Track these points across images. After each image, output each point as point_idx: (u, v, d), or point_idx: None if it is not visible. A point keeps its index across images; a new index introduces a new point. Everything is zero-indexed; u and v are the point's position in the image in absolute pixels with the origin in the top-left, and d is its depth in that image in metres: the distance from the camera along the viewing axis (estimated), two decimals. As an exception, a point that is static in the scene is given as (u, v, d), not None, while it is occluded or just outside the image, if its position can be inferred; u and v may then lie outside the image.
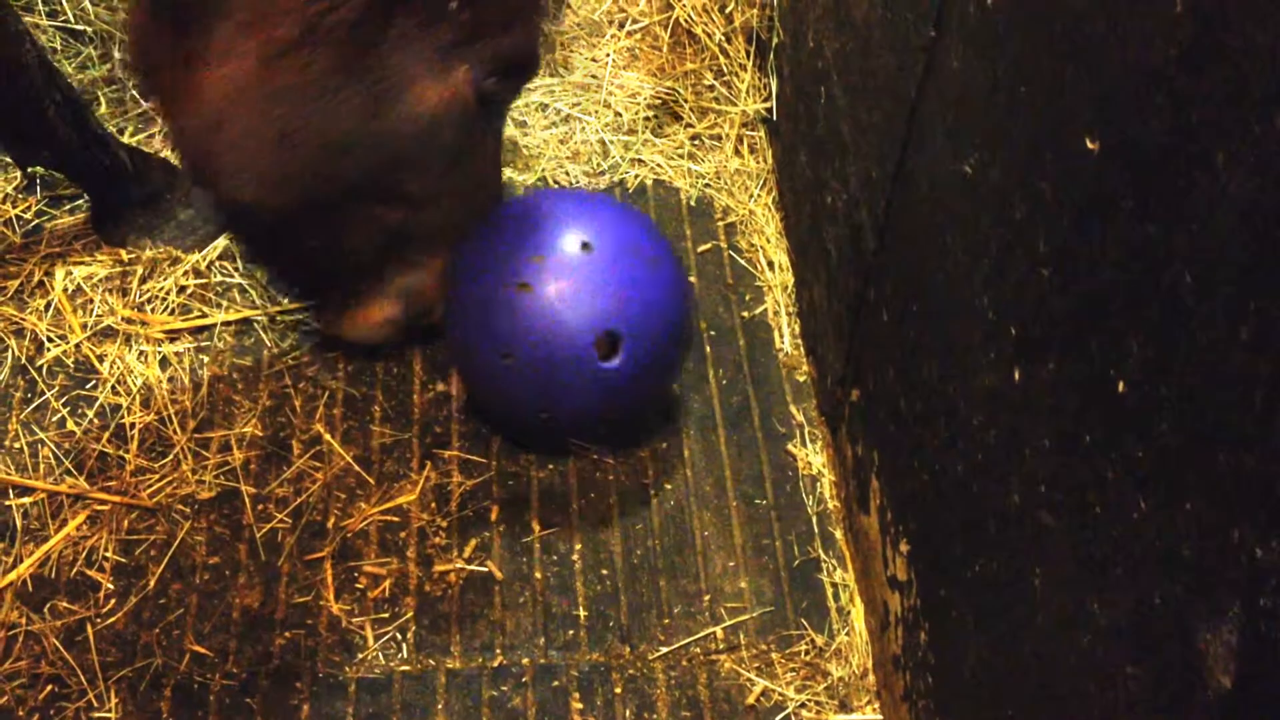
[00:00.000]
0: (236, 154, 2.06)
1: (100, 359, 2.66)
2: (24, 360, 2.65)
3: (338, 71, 1.92)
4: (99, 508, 2.45)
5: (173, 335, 2.71)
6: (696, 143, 3.19)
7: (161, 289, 2.78)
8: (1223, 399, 1.11)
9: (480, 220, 2.35)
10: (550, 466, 2.56)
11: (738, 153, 3.17)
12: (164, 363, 2.67)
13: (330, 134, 2.00)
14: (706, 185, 3.11)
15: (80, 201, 2.90)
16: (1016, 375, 1.56)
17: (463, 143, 2.15)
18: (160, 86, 2.09)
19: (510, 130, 3.10)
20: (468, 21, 1.97)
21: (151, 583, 2.35)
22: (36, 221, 2.90)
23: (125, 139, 2.97)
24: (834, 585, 2.41)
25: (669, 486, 2.55)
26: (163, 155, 2.87)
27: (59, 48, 3.24)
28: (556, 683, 2.26)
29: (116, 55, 3.23)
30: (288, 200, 2.13)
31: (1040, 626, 1.52)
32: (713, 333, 2.81)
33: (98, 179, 2.76)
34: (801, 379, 2.73)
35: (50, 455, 2.51)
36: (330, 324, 2.59)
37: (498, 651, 2.29)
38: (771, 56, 3.09)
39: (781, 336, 2.82)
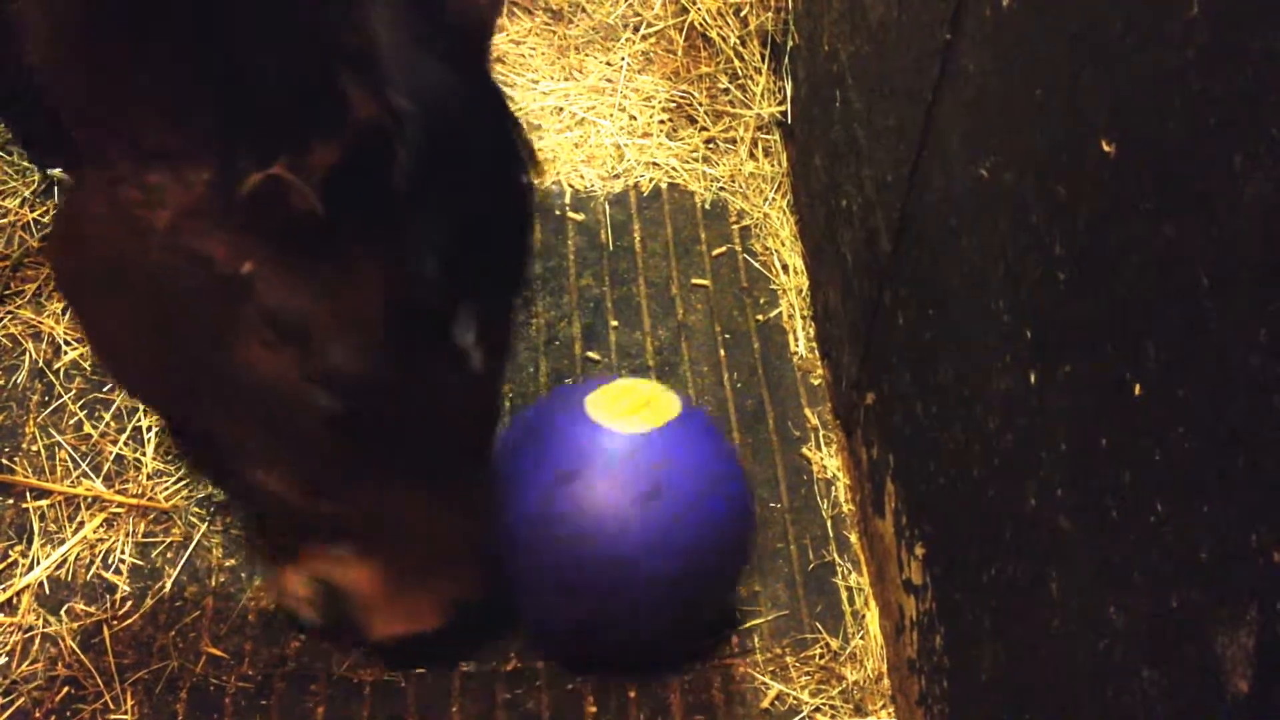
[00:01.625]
0: (81, 309, 1.86)
1: (117, 362, 2.67)
2: (41, 363, 2.66)
3: (153, 274, 1.62)
4: (115, 510, 2.45)
5: (189, 338, 2.72)
6: (711, 146, 3.19)
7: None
8: (1240, 402, 1.10)
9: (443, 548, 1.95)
10: (565, 470, 2.56)
11: (752, 156, 3.17)
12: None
13: (152, 344, 1.71)
14: (721, 189, 3.11)
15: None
16: (1033, 378, 1.56)
17: (322, 428, 1.71)
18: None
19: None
20: (272, 300, 1.59)
21: (168, 585, 2.36)
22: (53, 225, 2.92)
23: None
24: (849, 589, 2.41)
25: (684, 490, 2.55)
26: None
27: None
28: (571, 685, 2.26)
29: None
30: (143, 394, 1.94)
31: (1057, 630, 1.51)
32: (727, 336, 2.81)
33: None
34: (816, 382, 2.73)
35: (67, 458, 2.52)
36: (264, 568, 2.30)
37: (512, 654, 2.29)
38: (786, 60, 3.09)
39: (796, 340, 2.81)
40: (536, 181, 1.78)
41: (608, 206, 3.05)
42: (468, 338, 1.67)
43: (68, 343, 2.70)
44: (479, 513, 1.96)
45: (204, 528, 2.44)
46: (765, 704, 2.24)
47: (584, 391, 2.11)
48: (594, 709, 2.23)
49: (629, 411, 2.06)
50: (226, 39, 1.49)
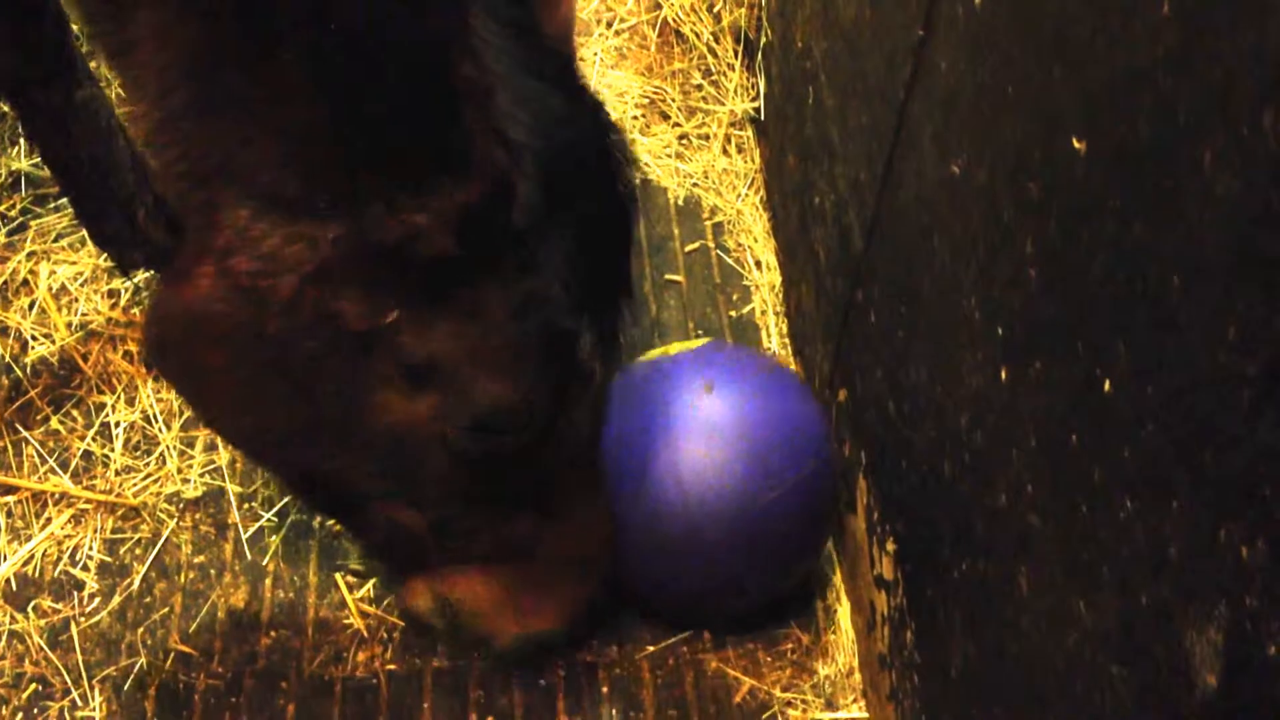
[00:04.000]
0: (189, 385, 1.79)
1: (85, 358, 2.65)
2: (9, 359, 2.64)
3: (278, 341, 1.59)
4: (83, 507, 2.44)
5: (158, 334, 2.70)
6: (684, 142, 3.19)
7: (147, 288, 2.77)
8: (1210, 399, 1.11)
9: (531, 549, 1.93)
10: (537, 466, 2.55)
11: (725, 152, 3.17)
12: (149, 362, 2.66)
13: (278, 406, 1.69)
14: (694, 185, 3.11)
15: (64, 200, 2.89)
16: (1004, 376, 1.56)
17: (457, 466, 1.72)
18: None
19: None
20: (412, 347, 1.58)
21: (136, 582, 2.35)
22: (21, 220, 2.89)
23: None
24: (820, 584, 2.41)
25: (656, 486, 2.55)
26: None
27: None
28: (543, 682, 2.25)
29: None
30: (263, 458, 1.86)
31: (1027, 627, 1.52)
32: (700, 332, 2.81)
33: None
34: (789, 379, 2.74)
35: (34, 454, 2.50)
36: (393, 587, 2.29)
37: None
38: (760, 56, 3.09)
39: (769, 336, 2.82)
40: (637, 179, 1.74)
41: (581, 202, 3.04)
42: (587, 351, 1.65)
43: (34, 338, 2.67)
44: (601, 518, 1.98)
45: (172, 524, 2.42)
46: (737, 699, 2.25)
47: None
48: (566, 705, 2.23)
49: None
50: (350, 83, 1.40)
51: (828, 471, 2.20)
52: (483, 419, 1.63)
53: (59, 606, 2.30)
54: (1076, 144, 1.34)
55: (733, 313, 2.86)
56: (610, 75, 3.31)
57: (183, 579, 2.36)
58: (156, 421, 2.56)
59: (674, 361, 2.23)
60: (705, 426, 2.11)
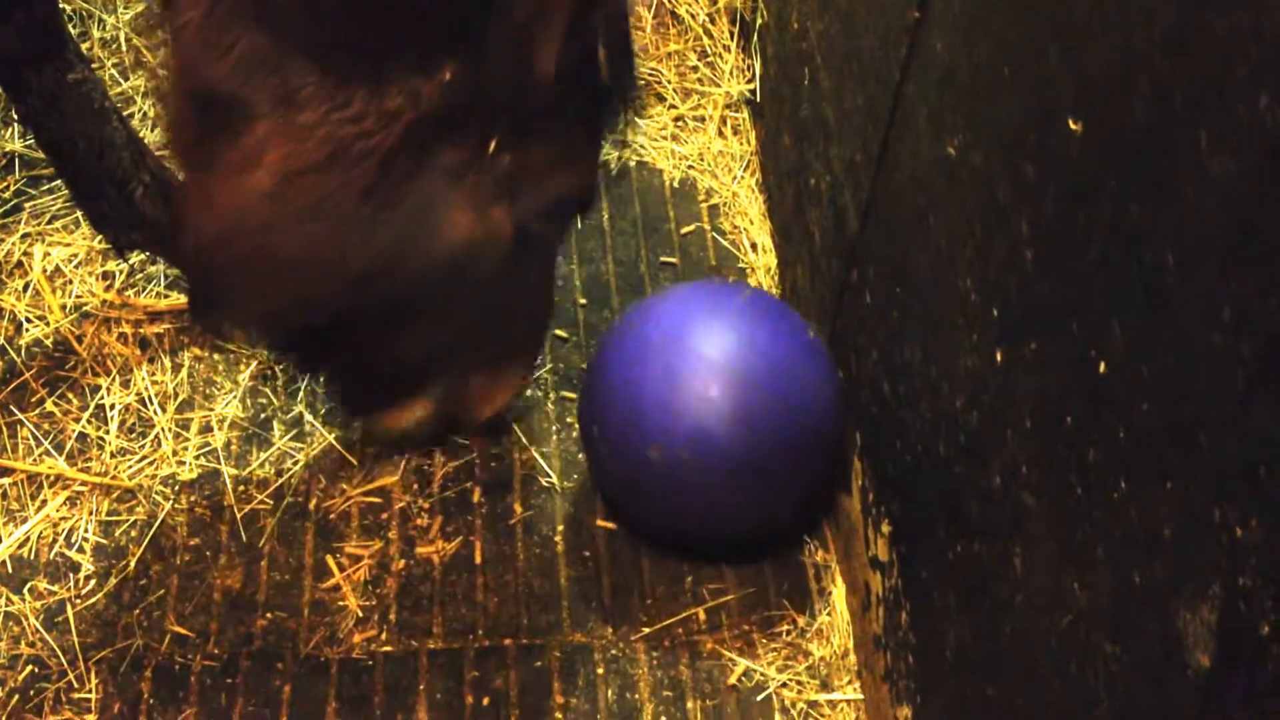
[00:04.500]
0: (241, 275, 1.90)
1: (80, 339, 2.64)
2: (3, 341, 2.63)
3: (363, 197, 1.75)
4: (79, 489, 2.44)
5: (153, 316, 2.70)
6: (680, 124, 3.18)
7: (142, 269, 2.77)
8: (1204, 380, 1.11)
9: (525, 341, 2.20)
10: (532, 448, 2.56)
11: (721, 134, 3.17)
12: (144, 343, 2.66)
13: (348, 261, 1.84)
14: (690, 167, 3.10)
15: (59, 181, 2.88)
16: (999, 357, 1.56)
17: (503, 272, 1.97)
18: (183, 193, 1.94)
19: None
20: (510, 164, 1.80)
21: (132, 564, 2.35)
22: (15, 201, 2.88)
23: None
24: (815, 566, 2.42)
25: (651, 468, 2.55)
26: None
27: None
28: (539, 663, 2.26)
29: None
30: (306, 321, 1.97)
31: (1021, 607, 1.52)
32: (695, 314, 2.80)
33: None
34: (784, 361, 2.74)
35: (29, 436, 2.50)
36: (366, 418, 2.39)
37: (480, 632, 2.29)
38: (755, 38, 3.08)
39: (764, 318, 2.81)
40: None
41: (576, 184, 3.03)
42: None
43: (29, 320, 2.67)
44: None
45: (168, 506, 2.42)
46: (732, 680, 2.25)
47: None
48: (562, 686, 2.24)
49: None
50: None
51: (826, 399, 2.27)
52: (549, 209, 1.89)
53: (55, 588, 2.31)
54: (1073, 125, 1.34)
55: (728, 295, 2.86)
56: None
57: (178, 561, 2.36)
58: (152, 404, 2.55)
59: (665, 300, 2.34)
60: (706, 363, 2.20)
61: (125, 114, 2.34)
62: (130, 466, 2.47)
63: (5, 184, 2.90)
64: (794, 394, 2.21)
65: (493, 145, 1.76)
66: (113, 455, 2.48)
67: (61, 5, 2.22)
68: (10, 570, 2.33)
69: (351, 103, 1.66)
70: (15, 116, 2.94)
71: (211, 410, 2.57)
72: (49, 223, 2.84)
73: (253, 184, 1.74)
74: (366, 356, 2.09)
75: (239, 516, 2.42)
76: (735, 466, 2.19)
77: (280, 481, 2.47)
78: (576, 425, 2.52)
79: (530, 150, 1.81)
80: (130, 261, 2.75)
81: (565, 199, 1.92)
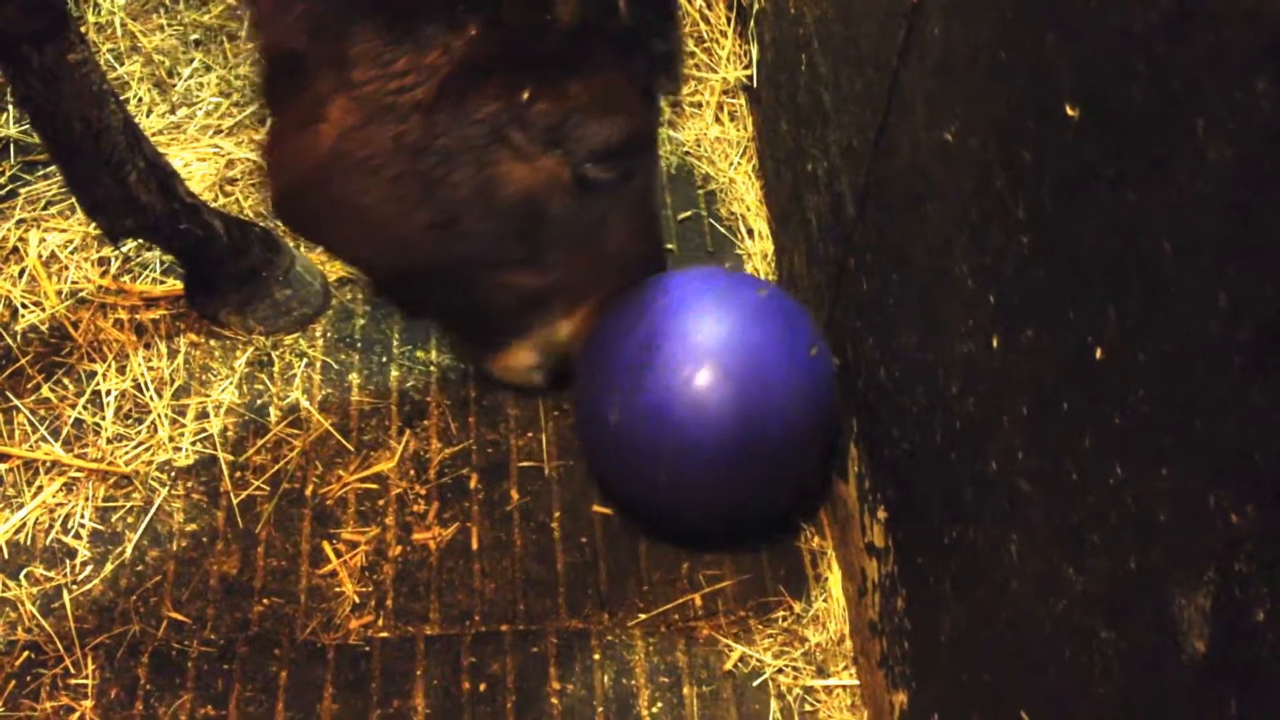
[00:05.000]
0: (315, 225, 2.13)
1: (75, 325, 2.64)
2: (-2, 326, 2.63)
3: (413, 154, 1.90)
4: (75, 475, 2.44)
5: (150, 302, 2.69)
6: (677, 110, 3.17)
7: (138, 255, 2.76)
8: (1200, 366, 1.11)
9: (629, 277, 2.30)
10: (529, 434, 2.56)
11: (718, 120, 3.16)
12: (140, 329, 2.66)
13: (411, 214, 1.98)
14: (687, 153, 3.10)
15: (54, 168, 2.87)
16: (995, 343, 1.56)
17: (576, 216, 2.09)
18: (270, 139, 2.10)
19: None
20: (549, 114, 1.91)
21: (128, 550, 2.35)
22: (11, 187, 2.87)
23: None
24: (812, 552, 2.42)
25: (648, 454, 2.55)
26: (264, 226, 2.70)
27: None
28: (535, 649, 2.26)
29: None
30: (394, 263, 2.13)
31: (1016, 592, 1.53)
32: (692, 301, 2.80)
33: (189, 250, 2.56)
34: (781, 347, 2.73)
35: (25, 422, 2.50)
36: (478, 360, 2.56)
37: (476, 618, 2.30)
38: (752, 23, 3.07)
39: (761, 305, 2.81)
40: None
41: (572, 170, 3.03)
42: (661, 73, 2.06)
43: (24, 306, 2.67)
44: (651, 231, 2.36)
45: (164, 492, 2.42)
46: (728, 666, 2.26)
47: None
48: (558, 671, 2.24)
49: None
50: None
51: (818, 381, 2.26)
52: (601, 154, 1.99)
53: (51, 574, 2.31)
54: (1069, 110, 1.34)
55: (725, 281, 2.85)
56: (602, 42, 3.29)
57: (175, 547, 2.36)
58: (148, 390, 2.55)
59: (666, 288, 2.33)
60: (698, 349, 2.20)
61: (120, 99, 2.34)
62: (126, 452, 2.47)
63: (1, 170, 2.89)
64: (769, 402, 2.17)
65: (526, 94, 1.87)
66: (109, 441, 2.48)
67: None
68: (6, 556, 2.33)
69: (396, 60, 1.81)
70: (11, 101, 2.94)
71: (208, 396, 2.57)
72: (44, 208, 2.83)
73: (316, 139, 1.90)
74: (461, 302, 2.23)
75: (235, 503, 2.42)
76: (689, 446, 2.17)
77: (277, 468, 2.47)
78: (573, 412, 2.53)
79: (566, 97, 1.90)
80: (124, 250, 2.74)
81: (617, 145, 1.99)
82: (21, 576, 2.30)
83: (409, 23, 1.79)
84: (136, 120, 2.43)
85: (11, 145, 2.93)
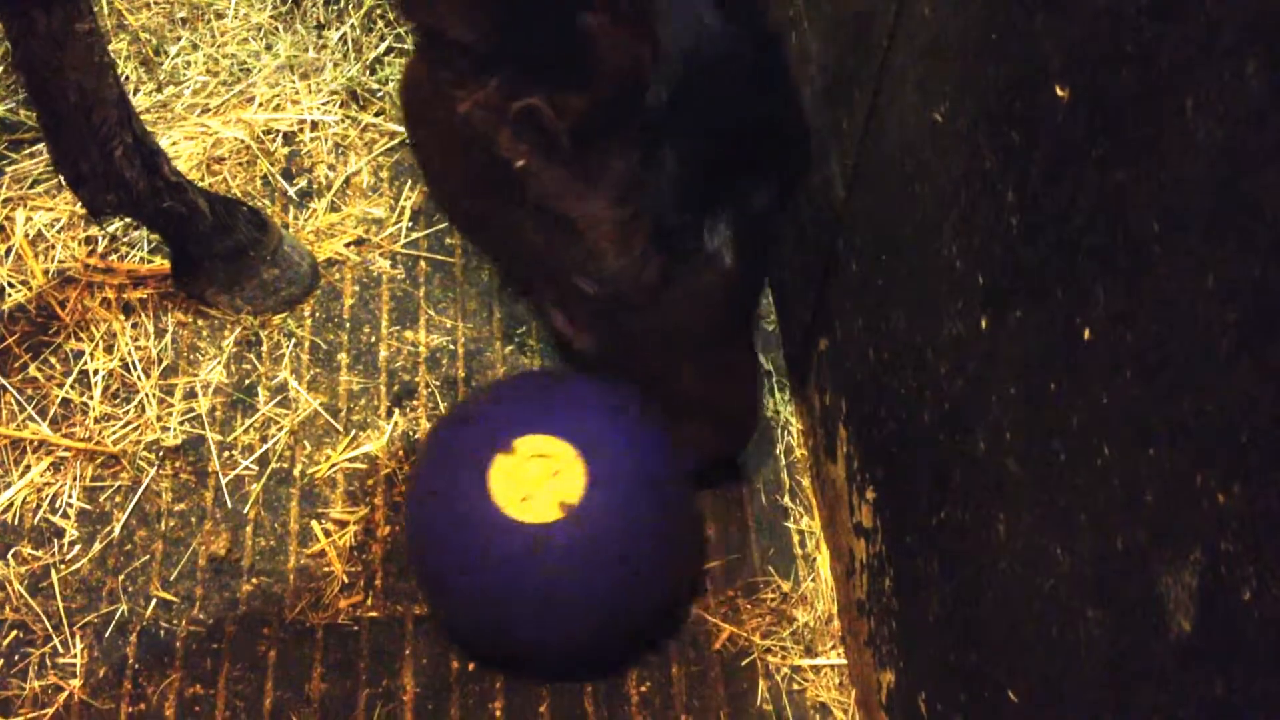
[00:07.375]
0: (412, 142, 2.34)
1: (62, 304, 2.63)
2: (-15, 305, 2.62)
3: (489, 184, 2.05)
4: (62, 454, 2.43)
5: (136, 281, 2.69)
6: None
7: (125, 235, 2.75)
8: (1188, 347, 1.12)
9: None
10: (518, 414, 2.55)
11: (707, 101, 3.15)
12: (128, 308, 2.65)
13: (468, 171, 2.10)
14: (676, 133, 3.08)
15: (40, 145, 2.86)
16: (984, 324, 1.57)
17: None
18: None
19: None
20: (542, 197, 1.99)
21: (116, 529, 2.35)
22: (-4, 165, 2.86)
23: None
24: (800, 533, 2.43)
25: (637, 435, 2.55)
26: (251, 205, 2.67)
27: None
28: (524, 629, 2.27)
29: None
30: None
31: (1004, 572, 1.53)
32: (681, 281, 2.80)
33: (174, 228, 2.54)
34: (770, 328, 2.74)
35: (12, 401, 2.49)
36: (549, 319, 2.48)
37: (465, 598, 2.30)
38: (742, 3, 3.06)
39: (750, 285, 2.81)
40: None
41: (561, 150, 3.02)
42: (715, 242, 2.06)
43: (10, 285, 2.66)
44: (744, 377, 2.35)
45: (152, 472, 2.42)
46: (717, 646, 2.27)
47: (489, 456, 2.08)
48: (547, 651, 2.24)
49: (535, 484, 2.05)
50: None
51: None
52: (598, 272, 2.03)
53: (39, 553, 2.30)
54: (1059, 91, 1.34)
55: (714, 261, 2.85)
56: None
57: (163, 526, 2.36)
58: (135, 369, 2.55)
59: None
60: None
61: (119, 74, 2.32)
62: (114, 432, 2.46)
63: (-14, 148, 2.88)
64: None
65: (522, 160, 1.93)
66: (96, 421, 2.48)
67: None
68: (-6, 536, 2.32)
69: (457, 64, 1.92)
70: (10, 63, 2.90)
71: (196, 376, 2.56)
72: (30, 187, 2.82)
73: (411, 77, 2.13)
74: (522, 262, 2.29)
75: (224, 482, 2.42)
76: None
77: (265, 447, 2.47)
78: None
79: (554, 187, 1.96)
80: (109, 229, 2.73)
81: (612, 278, 2.03)
82: (9, 556, 2.30)
83: (471, 50, 1.88)
84: (125, 99, 2.41)
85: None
